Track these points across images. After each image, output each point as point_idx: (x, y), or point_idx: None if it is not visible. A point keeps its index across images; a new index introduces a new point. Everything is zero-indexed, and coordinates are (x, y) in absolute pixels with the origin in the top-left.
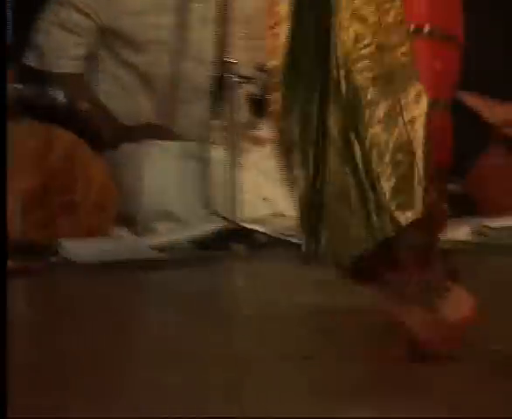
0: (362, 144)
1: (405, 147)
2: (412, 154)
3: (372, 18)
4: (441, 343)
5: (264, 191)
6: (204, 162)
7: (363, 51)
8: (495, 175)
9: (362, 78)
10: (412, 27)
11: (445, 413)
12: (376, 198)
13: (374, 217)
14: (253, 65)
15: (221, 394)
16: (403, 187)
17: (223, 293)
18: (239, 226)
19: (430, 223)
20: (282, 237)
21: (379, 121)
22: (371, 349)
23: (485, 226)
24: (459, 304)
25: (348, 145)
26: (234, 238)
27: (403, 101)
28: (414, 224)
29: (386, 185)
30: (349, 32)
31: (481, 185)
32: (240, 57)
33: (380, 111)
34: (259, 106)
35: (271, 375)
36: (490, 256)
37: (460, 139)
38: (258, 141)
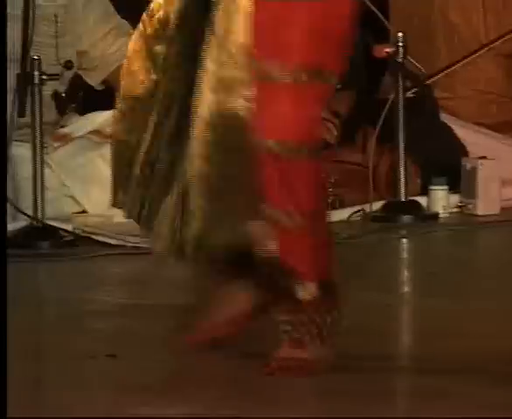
0: None
1: None
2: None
3: None
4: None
5: (68, 189)
6: (9, 160)
7: None
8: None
9: None
10: None
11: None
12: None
13: None
14: (59, 63)
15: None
16: None
17: (24, 293)
18: (44, 224)
19: None
20: (86, 235)
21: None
22: (174, 346)
23: None
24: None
25: None
26: (39, 236)
27: None
28: None
29: None
30: None
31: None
32: (46, 54)
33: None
34: (64, 104)
35: (74, 373)
36: None
37: None
38: (63, 139)
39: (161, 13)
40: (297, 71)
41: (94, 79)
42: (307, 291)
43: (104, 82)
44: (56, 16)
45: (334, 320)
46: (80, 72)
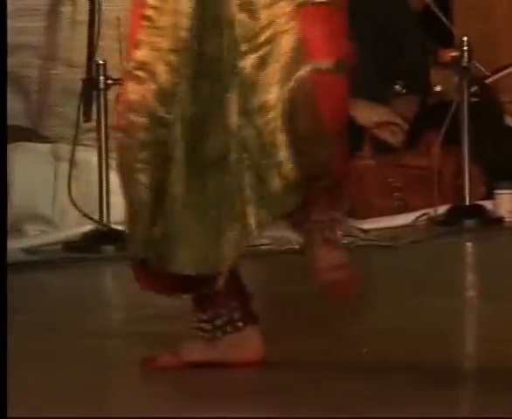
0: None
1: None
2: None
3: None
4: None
5: None
6: (74, 164)
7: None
8: (367, 177)
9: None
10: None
11: None
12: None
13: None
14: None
15: None
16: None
17: (93, 297)
18: (110, 228)
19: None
20: None
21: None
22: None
23: (357, 228)
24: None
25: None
26: (105, 240)
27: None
28: None
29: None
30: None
31: (354, 186)
32: (110, 58)
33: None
34: None
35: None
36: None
37: None
38: None
39: None
40: None
41: None
42: None
43: None
44: (119, 19)
45: None
46: None
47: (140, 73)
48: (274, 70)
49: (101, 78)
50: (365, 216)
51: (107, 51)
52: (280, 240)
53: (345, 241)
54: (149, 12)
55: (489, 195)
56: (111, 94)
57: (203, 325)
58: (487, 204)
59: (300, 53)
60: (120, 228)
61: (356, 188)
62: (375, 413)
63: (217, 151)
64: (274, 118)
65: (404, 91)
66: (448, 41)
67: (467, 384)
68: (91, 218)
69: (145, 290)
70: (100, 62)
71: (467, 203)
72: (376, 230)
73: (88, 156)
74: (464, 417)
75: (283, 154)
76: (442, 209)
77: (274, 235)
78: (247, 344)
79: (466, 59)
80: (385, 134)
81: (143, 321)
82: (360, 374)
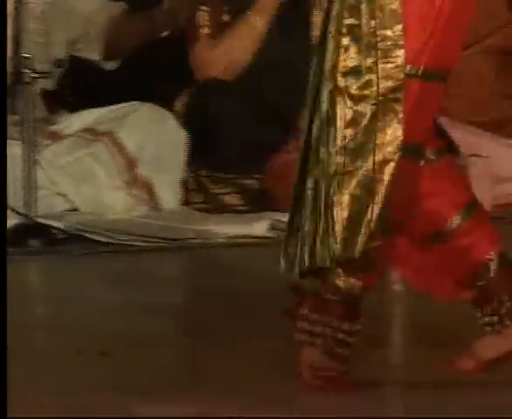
0: (325, 168)
1: (368, 185)
2: (372, 195)
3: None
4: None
5: (60, 187)
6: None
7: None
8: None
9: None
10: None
11: None
12: (324, 225)
13: (318, 243)
14: (49, 60)
15: None
16: (352, 223)
17: (16, 291)
18: (37, 222)
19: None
20: (78, 233)
21: (347, 152)
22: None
23: (281, 221)
24: None
25: (317, 163)
26: (31, 234)
27: (378, 140)
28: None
29: (339, 214)
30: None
31: (279, 180)
32: (36, 52)
33: (352, 143)
34: (54, 102)
35: (67, 370)
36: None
37: (258, 133)
38: (54, 137)
39: None
40: None
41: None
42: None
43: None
44: (43, 13)
45: None
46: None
47: None
48: None
49: (27, 71)
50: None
51: (33, 45)
52: (207, 234)
53: (272, 234)
54: None
55: None
56: (37, 88)
57: (488, 319)
58: None
59: None
60: (46, 222)
61: (283, 183)
62: None
63: None
64: None
65: None
66: None
67: None
68: (17, 212)
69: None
70: (26, 56)
71: None
72: None
73: (14, 150)
74: None
75: None
76: None
77: (201, 228)
78: None
79: None
80: None
81: (71, 315)
82: None
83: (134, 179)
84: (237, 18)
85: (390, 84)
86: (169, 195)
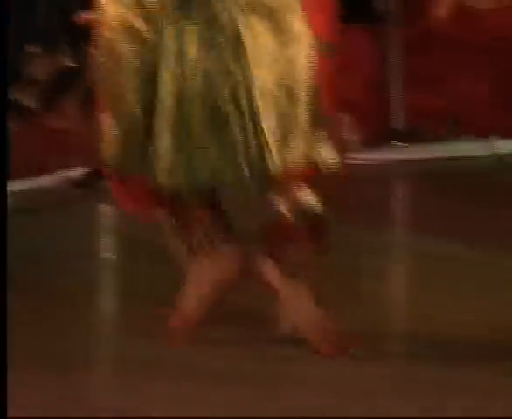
0: (246, 84)
1: (286, 85)
2: (293, 94)
3: None
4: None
5: None
6: None
7: None
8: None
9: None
10: None
11: None
12: (256, 137)
13: (253, 154)
14: None
15: None
16: (283, 128)
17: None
18: None
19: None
20: None
21: (262, 61)
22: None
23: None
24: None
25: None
26: None
27: (285, 37)
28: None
29: (266, 124)
30: None
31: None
32: None
33: (263, 50)
34: None
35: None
36: None
37: None
38: None
39: None
40: None
41: None
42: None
43: None
44: None
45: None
46: None
47: None
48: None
49: None
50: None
51: None
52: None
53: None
54: None
55: None
56: None
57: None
58: None
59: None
60: None
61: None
62: None
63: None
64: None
65: (40, 51)
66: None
67: None
68: None
69: (124, 208)
70: None
71: None
72: (20, 192)
73: None
74: None
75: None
76: (81, 172)
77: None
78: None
79: None
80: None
81: None
82: None
83: None
84: None
85: None
86: None
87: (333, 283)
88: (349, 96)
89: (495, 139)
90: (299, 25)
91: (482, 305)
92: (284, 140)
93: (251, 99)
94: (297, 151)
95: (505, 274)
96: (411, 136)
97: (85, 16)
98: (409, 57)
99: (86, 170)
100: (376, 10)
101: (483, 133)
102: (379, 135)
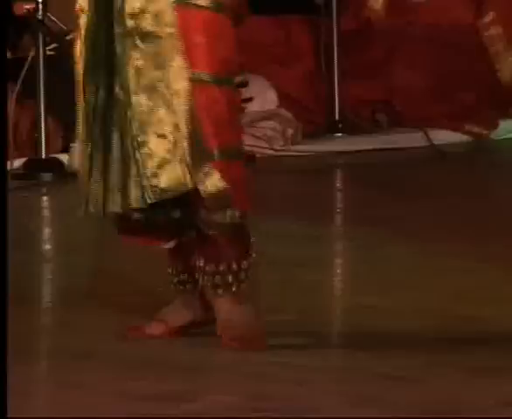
0: (125, 109)
1: (170, 120)
2: (177, 128)
3: None
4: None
5: None
6: None
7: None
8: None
9: (129, 41)
10: None
11: None
12: (135, 166)
13: (131, 184)
14: None
15: None
16: (165, 161)
17: None
18: None
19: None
20: None
21: (144, 90)
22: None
23: None
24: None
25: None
26: None
27: (169, 73)
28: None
29: (148, 156)
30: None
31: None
32: None
33: (145, 79)
34: None
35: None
36: None
37: None
38: None
39: None
40: None
41: None
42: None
43: None
44: None
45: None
46: None
47: None
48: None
49: None
50: None
51: None
52: None
53: None
54: None
55: (66, 149)
56: None
57: (181, 277)
58: (63, 157)
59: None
60: None
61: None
62: None
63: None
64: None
65: None
66: None
67: None
68: None
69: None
70: None
71: (44, 157)
72: None
73: None
74: None
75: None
76: (18, 163)
77: None
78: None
79: (41, 12)
80: None
81: None
82: None
83: None
84: None
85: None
86: None
87: (273, 275)
88: (288, 88)
89: (433, 129)
90: (179, 60)
91: (412, 293)
92: (163, 164)
93: (131, 124)
94: (174, 175)
95: (435, 263)
96: (350, 128)
97: (24, 6)
98: (347, 48)
99: (23, 161)
100: (314, 2)
101: (421, 124)
102: (318, 127)
